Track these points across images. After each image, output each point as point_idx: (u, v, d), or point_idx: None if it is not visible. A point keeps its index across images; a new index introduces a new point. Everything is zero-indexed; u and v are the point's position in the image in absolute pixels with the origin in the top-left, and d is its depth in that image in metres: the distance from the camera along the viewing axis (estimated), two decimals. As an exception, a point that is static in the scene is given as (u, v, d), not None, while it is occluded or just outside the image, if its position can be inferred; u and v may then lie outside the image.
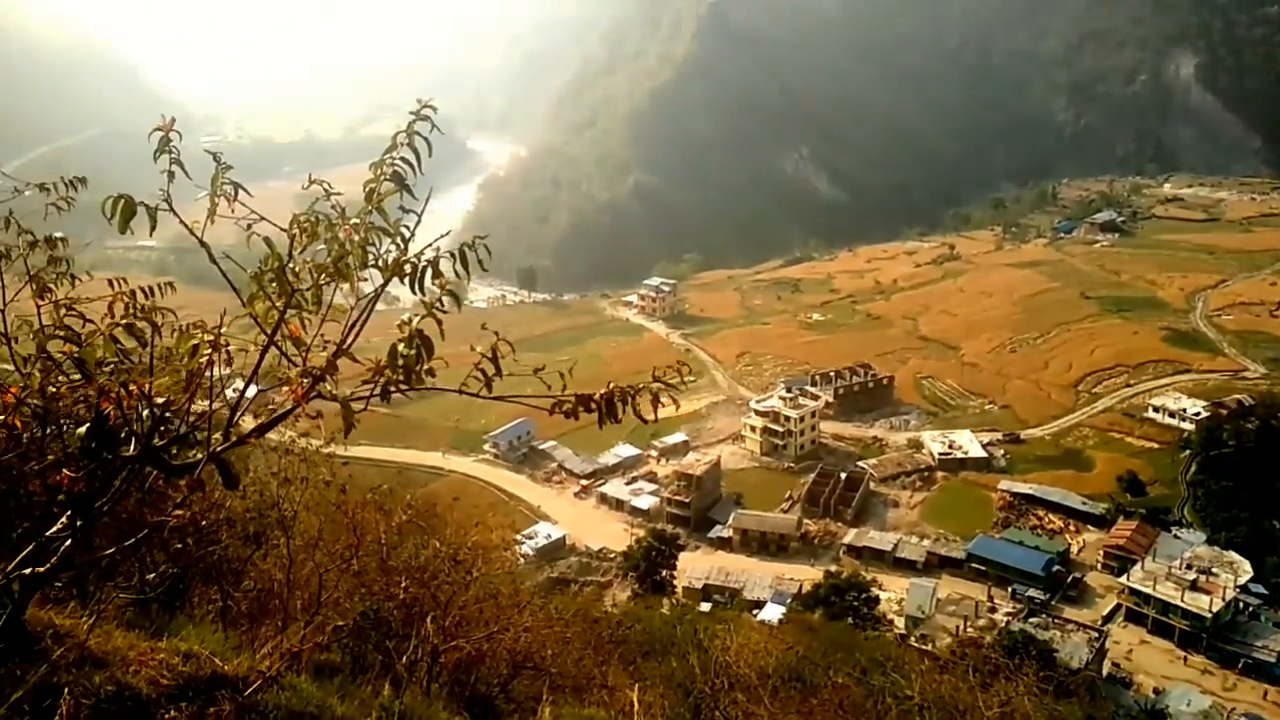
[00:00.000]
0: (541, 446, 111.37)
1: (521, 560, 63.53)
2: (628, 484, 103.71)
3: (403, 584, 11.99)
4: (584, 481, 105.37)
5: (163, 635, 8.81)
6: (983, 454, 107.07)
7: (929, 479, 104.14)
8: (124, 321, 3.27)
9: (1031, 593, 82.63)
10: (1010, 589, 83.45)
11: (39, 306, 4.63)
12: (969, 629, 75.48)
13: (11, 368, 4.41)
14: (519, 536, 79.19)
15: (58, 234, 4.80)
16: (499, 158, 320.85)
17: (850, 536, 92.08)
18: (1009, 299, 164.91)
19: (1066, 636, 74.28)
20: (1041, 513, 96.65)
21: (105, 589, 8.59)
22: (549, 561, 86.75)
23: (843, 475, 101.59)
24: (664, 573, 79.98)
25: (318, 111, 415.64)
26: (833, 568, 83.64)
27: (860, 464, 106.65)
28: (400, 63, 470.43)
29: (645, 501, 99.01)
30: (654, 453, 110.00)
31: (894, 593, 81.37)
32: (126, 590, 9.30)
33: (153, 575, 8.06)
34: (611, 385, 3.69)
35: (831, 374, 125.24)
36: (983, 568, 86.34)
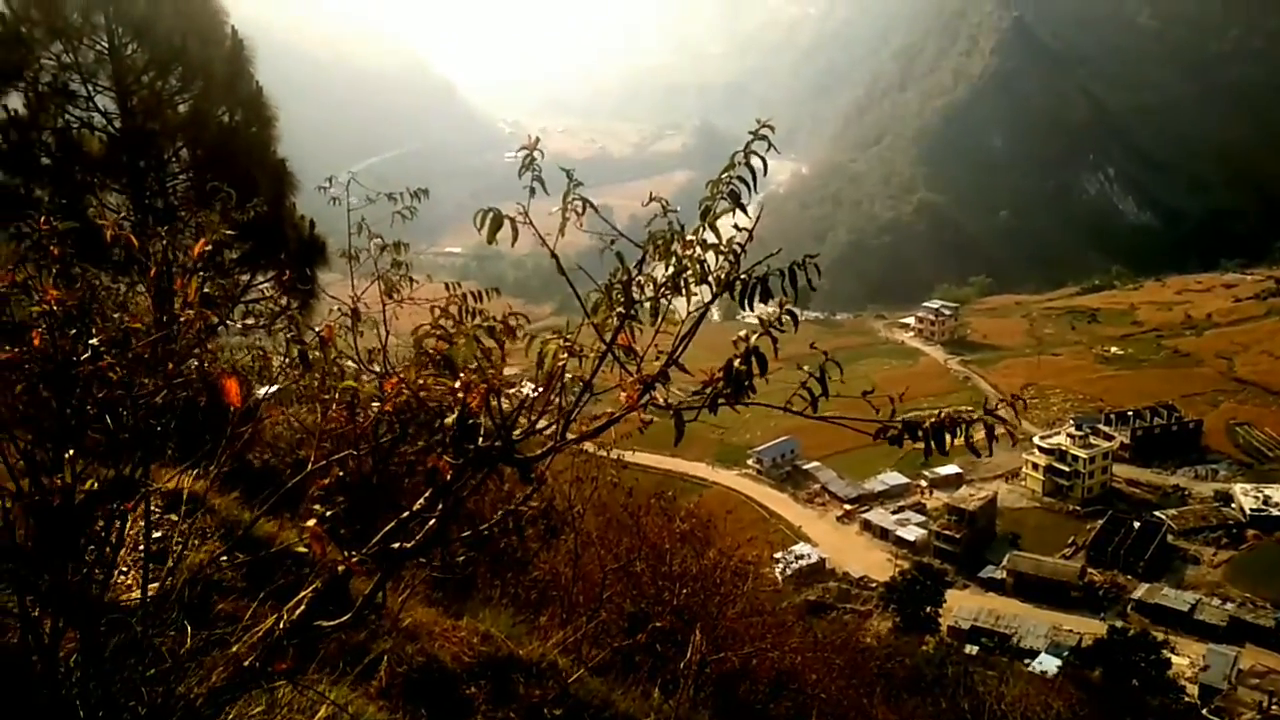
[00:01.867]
0: (805, 467, 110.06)
1: (779, 579, 63.41)
2: (894, 513, 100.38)
3: (678, 590, 12.26)
4: (847, 506, 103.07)
5: (461, 616, 9.54)
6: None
7: (1238, 536, 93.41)
8: (486, 324, 3.57)
9: (1357, 676, 72.27)
10: (1330, 668, 73.56)
11: (384, 305, 5.20)
12: (1275, 706, 67.46)
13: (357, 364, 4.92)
14: (778, 555, 78.87)
15: (404, 241, 5.35)
16: (781, 175, 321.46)
17: (1141, 592, 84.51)
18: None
19: (1397, 731, 64.68)
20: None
21: (413, 568, 9.39)
22: (808, 583, 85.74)
23: (1135, 524, 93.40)
24: (928, 609, 77.03)
25: (610, 128, 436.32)
26: (1119, 623, 77.05)
27: (1156, 514, 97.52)
28: (687, 80, 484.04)
29: (912, 533, 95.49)
30: (924, 483, 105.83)
31: (1188, 658, 73.88)
32: (429, 570, 10.11)
33: (460, 558, 8.73)
34: (943, 413, 3.59)
35: (1129, 414, 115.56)
36: (1297, 641, 76.66)
